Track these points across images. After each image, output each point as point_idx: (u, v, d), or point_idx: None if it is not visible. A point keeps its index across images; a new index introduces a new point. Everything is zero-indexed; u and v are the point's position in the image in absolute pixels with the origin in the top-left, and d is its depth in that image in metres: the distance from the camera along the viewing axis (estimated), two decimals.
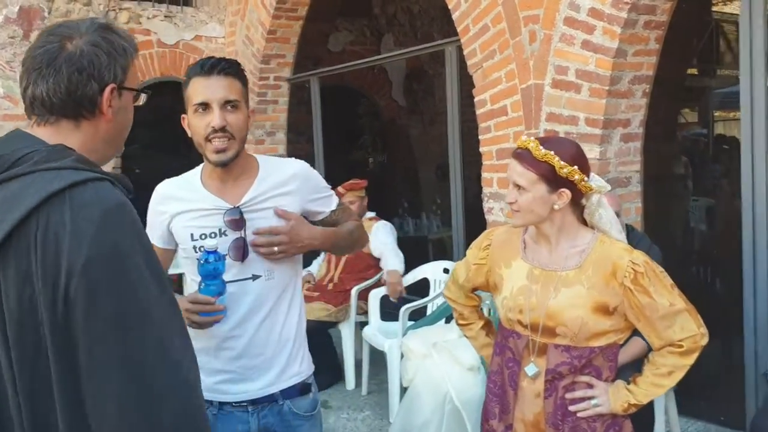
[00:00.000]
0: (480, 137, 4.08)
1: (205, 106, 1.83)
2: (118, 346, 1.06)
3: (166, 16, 6.59)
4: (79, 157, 1.16)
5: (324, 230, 2.01)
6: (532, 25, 3.58)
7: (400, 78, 8.74)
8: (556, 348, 1.88)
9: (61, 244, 1.06)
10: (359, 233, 2.16)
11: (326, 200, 2.07)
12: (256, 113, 6.26)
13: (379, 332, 4.48)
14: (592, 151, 3.31)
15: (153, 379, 1.06)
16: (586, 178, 1.88)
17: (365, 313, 4.79)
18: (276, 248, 1.85)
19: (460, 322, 2.26)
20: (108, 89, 1.21)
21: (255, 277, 1.88)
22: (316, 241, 1.96)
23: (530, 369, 1.90)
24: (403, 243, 5.06)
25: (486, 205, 4.10)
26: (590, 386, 1.89)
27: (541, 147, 1.85)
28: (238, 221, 1.86)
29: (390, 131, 9.01)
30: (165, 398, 1.07)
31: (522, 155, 1.88)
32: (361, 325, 4.82)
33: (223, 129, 1.82)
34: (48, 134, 1.20)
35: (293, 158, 2.10)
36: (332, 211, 2.08)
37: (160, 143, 6.92)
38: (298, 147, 7.04)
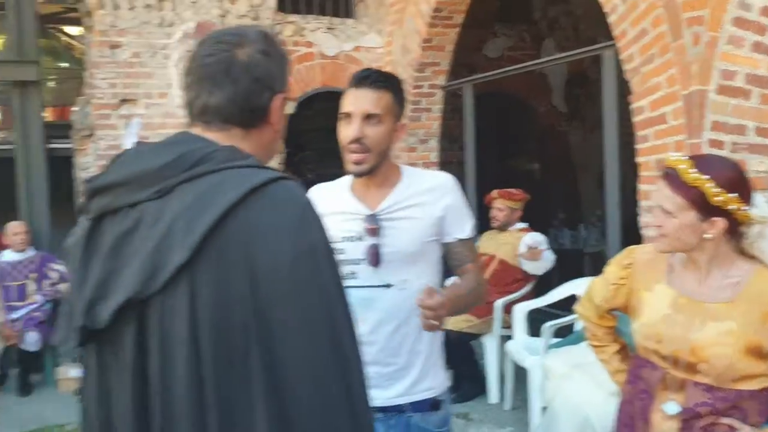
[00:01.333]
0: (637, 147, 3.83)
1: (349, 116, 1.88)
2: (307, 346, 1.03)
3: (328, 29, 6.83)
4: (256, 160, 1.16)
5: (449, 298, 1.84)
6: (696, 27, 3.30)
7: (561, 83, 8.45)
8: (696, 386, 1.69)
9: (262, 241, 1.04)
10: (480, 292, 1.99)
11: (461, 224, 1.97)
12: (409, 123, 6.40)
13: (523, 348, 4.34)
14: (762, 164, 2.99)
15: (332, 379, 1.04)
16: (744, 207, 1.66)
17: (510, 327, 4.67)
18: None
19: (593, 343, 2.09)
20: (278, 99, 1.22)
21: (388, 286, 1.88)
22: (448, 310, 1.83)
23: (670, 407, 1.72)
24: (556, 256, 4.88)
25: (642, 220, 3.83)
26: (733, 429, 1.68)
27: (693, 169, 1.66)
28: (374, 228, 1.88)
29: (547, 138, 8.74)
30: (342, 398, 1.05)
31: (671, 176, 1.70)
32: (505, 338, 4.70)
33: (358, 140, 1.85)
34: (218, 139, 1.18)
35: (441, 171, 2.06)
36: (459, 240, 1.96)
37: (334, 150, 7.18)
38: (450, 155, 7.02)
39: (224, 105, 1.18)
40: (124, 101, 6.15)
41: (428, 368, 1.92)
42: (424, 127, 6.66)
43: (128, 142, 4.39)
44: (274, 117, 1.22)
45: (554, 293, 4.59)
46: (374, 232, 1.88)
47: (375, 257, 1.87)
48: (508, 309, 4.67)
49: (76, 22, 12.15)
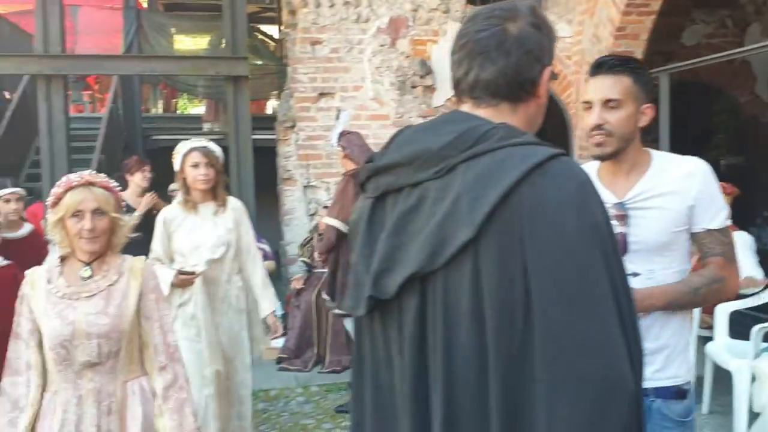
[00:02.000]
0: None
1: (589, 104, 1.91)
2: (588, 322, 1.03)
3: None
4: (532, 136, 1.17)
5: (664, 290, 1.82)
6: None
7: (767, 71, 7.81)
8: None
9: (545, 217, 1.05)
10: (710, 290, 1.86)
11: (711, 213, 1.87)
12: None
13: (725, 350, 4.13)
14: None
15: (612, 358, 1.02)
16: None
17: (709, 327, 4.45)
18: None
19: None
20: (546, 71, 1.22)
21: (635, 275, 1.84)
22: (655, 302, 1.82)
23: None
24: (761, 256, 4.57)
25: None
26: None
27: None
28: (622, 216, 1.87)
29: (751, 130, 8.12)
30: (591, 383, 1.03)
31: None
32: (703, 339, 4.48)
33: (599, 127, 1.88)
34: (488, 116, 1.19)
35: (692, 156, 1.97)
36: (707, 231, 1.87)
37: None
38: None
39: (495, 79, 1.19)
40: (322, 94, 6.56)
41: (674, 356, 1.89)
42: None
43: (336, 133, 4.69)
44: (541, 90, 1.23)
45: (760, 295, 4.31)
46: (621, 220, 1.86)
47: (622, 246, 1.84)
48: (707, 309, 4.44)
49: (271, 21, 13.07)
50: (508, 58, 1.18)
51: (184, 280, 3.37)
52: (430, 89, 6.64)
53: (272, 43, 12.22)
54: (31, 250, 4.14)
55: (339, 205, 4.42)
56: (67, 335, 2.14)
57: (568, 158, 1.12)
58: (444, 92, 6.67)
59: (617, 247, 1.11)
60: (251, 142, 6.57)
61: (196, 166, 3.42)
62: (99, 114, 11.55)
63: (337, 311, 4.64)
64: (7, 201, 4.25)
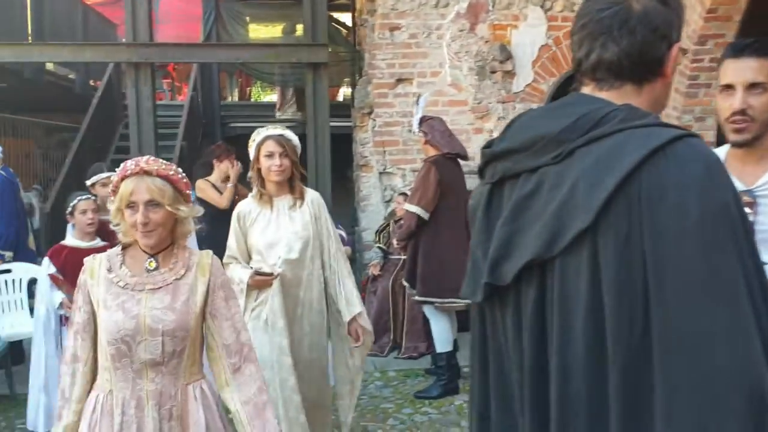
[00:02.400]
0: None
1: (730, 87, 1.84)
2: (713, 310, 0.98)
3: None
4: (658, 116, 1.13)
5: None
6: None
7: None
8: None
9: (667, 201, 1.01)
10: None
11: None
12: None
13: None
14: None
15: (718, 359, 0.97)
16: None
17: None
18: None
19: None
20: (675, 49, 1.16)
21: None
22: None
23: None
24: None
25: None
26: None
27: None
28: (750, 203, 1.81)
29: None
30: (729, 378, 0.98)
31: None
32: None
33: (742, 112, 1.81)
34: (611, 98, 1.15)
35: None
36: None
37: None
38: None
39: (619, 59, 1.14)
40: (399, 80, 6.54)
41: None
42: (701, 103, 6.22)
43: (417, 119, 4.68)
44: (669, 68, 1.17)
45: None
46: (750, 207, 1.81)
47: None
48: None
49: (344, 8, 13.12)
50: (632, 38, 1.13)
51: (260, 281, 3.08)
52: (509, 74, 6.54)
53: (344, 30, 12.29)
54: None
55: (420, 192, 4.41)
56: (129, 330, 1.97)
57: (696, 139, 1.06)
58: (524, 77, 6.56)
59: (750, 232, 1.05)
60: (329, 129, 6.62)
61: (270, 155, 3.08)
62: (178, 102, 11.90)
63: (416, 298, 4.64)
64: (105, 185, 4.41)
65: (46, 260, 3.67)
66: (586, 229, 1.05)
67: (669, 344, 1.00)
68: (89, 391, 2.04)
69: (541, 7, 6.58)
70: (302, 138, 9.78)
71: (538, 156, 1.13)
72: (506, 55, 6.50)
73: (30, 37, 7.74)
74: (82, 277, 2.07)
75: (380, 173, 6.61)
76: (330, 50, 11.29)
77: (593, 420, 1.07)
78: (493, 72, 6.53)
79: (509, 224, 1.15)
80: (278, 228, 3.14)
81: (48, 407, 3.72)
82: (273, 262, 3.10)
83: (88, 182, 4.42)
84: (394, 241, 5.28)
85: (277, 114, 11.37)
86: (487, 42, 6.55)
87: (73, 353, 2.06)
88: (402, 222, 4.83)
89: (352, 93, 10.47)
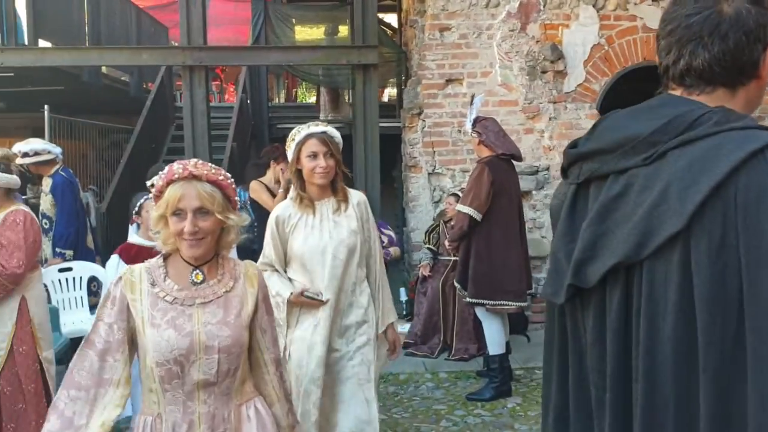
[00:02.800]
0: None
1: None
2: None
3: (653, 0, 6.53)
4: (754, 118, 1.10)
5: None
6: None
7: None
8: None
9: (763, 206, 0.98)
10: None
11: None
12: None
13: None
14: None
15: None
16: None
17: None
18: None
19: None
20: None
21: None
22: None
23: None
24: None
25: None
26: None
27: None
28: None
29: None
30: None
31: None
32: None
33: None
34: (703, 101, 1.13)
35: None
36: None
37: None
38: None
39: (710, 66, 1.11)
40: (449, 81, 6.53)
41: None
42: None
43: (471, 119, 4.66)
44: (764, 71, 1.13)
45: None
46: None
47: None
48: None
49: (390, 9, 13.16)
50: (724, 43, 1.10)
51: (304, 303, 2.86)
52: (561, 74, 6.47)
53: (389, 31, 12.31)
54: None
55: (473, 193, 4.39)
56: (183, 349, 1.80)
57: None
58: (575, 77, 6.49)
59: None
60: (378, 130, 6.65)
61: (313, 156, 2.80)
62: (226, 103, 12.08)
63: (468, 299, 4.62)
64: None
65: (115, 257, 3.74)
66: (678, 233, 1.03)
67: (762, 354, 0.97)
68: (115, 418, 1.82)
69: (594, 6, 6.49)
70: (345, 139, 9.91)
71: (628, 157, 1.11)
72: (557, 54, 6.43)
73: (87, 41, 7.94)
74: (115, 290, 1.86)
75: (429, 174, 6.61)
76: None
77: (681, 429, 1.05)
78: (544, 72, 6.47)
79: (595, 226, 1.14)
80: (322, 235, 2.84)
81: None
82: (318, 276, 2.83)
83: (149, 183, 4.51)
84: (446, 242, 5.26)
85: (322, 115, 11.45)
86: (538, 42, 6.49)
87: (98, 376, 1.80)
88: (454, 223, 4.82)
89: (398, 94, 10.53)
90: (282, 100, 14.55)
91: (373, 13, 6.46)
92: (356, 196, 3.01)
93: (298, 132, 2.85)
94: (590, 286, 1.14)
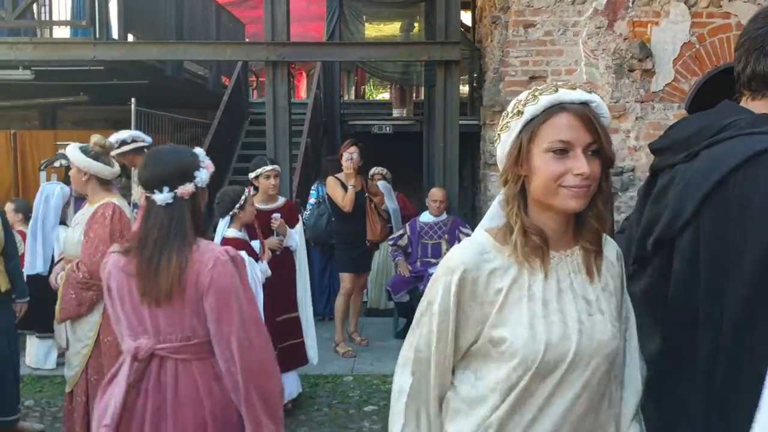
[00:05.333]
0: None
1: None
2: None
3: None
4: None
5: None
6: None
7: None
8: None
9: (753, 204, 1.22)
10: None
11: None
12: None
13: None
14: None
15: None
16: None
17: None
18: None
19: None
20: None
21: None
22: None
23: None
24: None
25: None
26: None
27: None
28: None
29: None
30: None
31: None
32: None
33: None
34: (759, 106, 1.34)
35: None
36: None
37: None
38: None
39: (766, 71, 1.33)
40: (533, 78, 6.41)
41: None
42: None
43: None
44: None
45: None
46: None
47: None
48: None
49: (464, 6, 13.06)
50: None
51: None
52: (648, 73, 6.28)
53: (461, 29, 12.22)
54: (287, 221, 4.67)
55: None
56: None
57: None
58: (664, 76, 6.28)
59: None
60: (458, 128, 6.59)
61: (563, 150, 1.36)
62: (297, 100, 12.19)
63: None
64: (267, 177, 4.57)
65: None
66: (692, 217, 1.32)
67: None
68: None
69: (685, 2, 6.28)
70: (417, 137, 9.88)
71: (675, 155, 1.42)
72: (646, 52, 6.25)
73: (172, 36, 8.12)
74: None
75: None
76: None
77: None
78: (632, 70, 6.29)
79: (652, 208, 1.46)
80: (565, 324, 1.38)
81: None
82: (541, 408, 1.37)
83: (252, 175, 4.58)
84: None
85: (394, 112, 11.45)
86: (625, 39, 6.31)
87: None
88: None
89: (470, 91, 10.44)
90: (352, 97, 14.60)
91: (456, 9, 6.40)
92: (610, 245, 1.51)
93: (533, 97, 1.38)
94: (647, 254, 1.48)
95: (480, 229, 1.47)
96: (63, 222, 5.10)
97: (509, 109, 1.43)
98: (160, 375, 2.05)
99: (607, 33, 6.33)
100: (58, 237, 4.90)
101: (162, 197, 2.06)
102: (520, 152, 1.37)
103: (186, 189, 2.08)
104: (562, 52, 6.36)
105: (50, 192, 5.10)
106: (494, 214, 1.46)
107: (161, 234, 2.05)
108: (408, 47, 6.90)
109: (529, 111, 1.36)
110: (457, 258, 1.40)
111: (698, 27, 6.28)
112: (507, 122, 1.41)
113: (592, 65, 6.36)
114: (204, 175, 2.14)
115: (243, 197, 3.92)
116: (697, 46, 6.29)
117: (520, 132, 1.38)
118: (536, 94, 1.38)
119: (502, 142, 1.43)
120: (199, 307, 2.02)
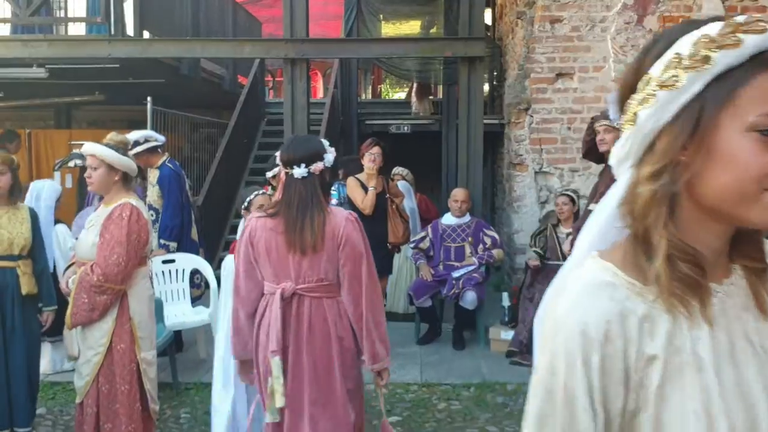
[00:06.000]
0: None
1: None
2: None
3: None
4: None
5: None
6: None
7: None
8: None
9: None
10: None
11: None
12: None
13: None
14: None
15: None
16: None
17: None
18: None
19: None
20: None
21: None
22: None
23: None
24: None
25: None
26: None
27: None
28: None
29: None
30: None
31: None
32: None
33: None
34: None
35: None
36: None
37: None
38: None
39: None
40: (559, 75, 6.21)
41: None
42: None
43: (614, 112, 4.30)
44: None
45: None
46: None
47: None
48: None
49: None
50: None
51: None
52: None
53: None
54: None
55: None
56: None
57: None
58: None
59: None
60: (483, 126, 6.39)
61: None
62: (313, 99, 12.02)
63: None
64: None
65: (230, 258, 3.59)
66: None
67: None
68: None
69: None
70: (436, 136, 9.66)
71: None
72: None
73: (188, 34, 7.97)
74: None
75: (536, 173, 6.30)
76: None
77: None
78: None
79: None
80: (751, 402, 0.87)
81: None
82: None
83: (269, 174, 4.38)
84: (566, 247, 4.87)
85: (413, 108, 11.24)
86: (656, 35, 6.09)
87: None
88: (581, 225, 4.50)
89: (490, 90, 10.23)
90: (368, 97, 14.42)
91: (481, 4, 6.21)
92: None
93: (730, 33, 0.85)
94: None
95: (589, 253, 0.95)
96: (59, 220, 4.91)
97: (681, 50, 0.86)
98: (299, 309, 2.62)
99: (637, 28, 6.12)
100: (56, 235, 4.73)
101: (299, 171, 2.63)
102: (698, 126, 0.85)
103: (317, 166, 2.66)
104: (589, 48, 6.16)
105: (39, 189, 4.85)
106: (605, 227, 0.96)
107: (301, 200, 2.62)
108: (430, 43, 6.71)
109: (726, 58, 0.83)
110: (586, 313, 0.87)
111: None
112: (672, 75, 0.86)
113: (621, 62, 6.14)
114: (330, 157, 2.71)
115: (249, 198, 3.78)
116: None
117: (703, 92, 0.85)
118: (734, 29, 0.84)
119: (651, 112, 0.88)
120: (334, 255, 2.62)
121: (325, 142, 2.77)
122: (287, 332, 2.61)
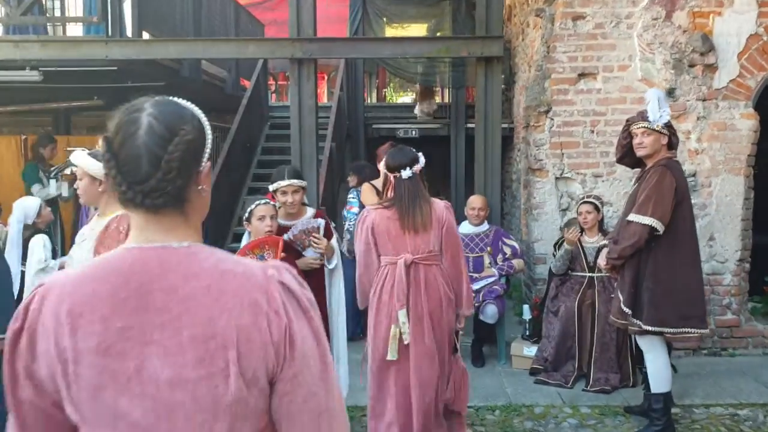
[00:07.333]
0: None
1: None
2: None
3: None
4: None
5: None
6: None
7: None
8: None
9: None
10: None
11: None
12: None
13: None
14: None
15: None
16: None
17: None
18: None
19: None
20: None
21: None
22: None
23: None
24: None
25: None
26: None
27: None
28: None
29: None
30: None
31: None
32: None
33: None
34: None
35: None
36: None
37: None
38: None
39: None
40: (581, 75, 5.86)
41: None
42: None
43: (666, 111, 3.97)
44: None
45: None
46: None
47: None
48: None
49: None
50: None
51: None
52: (711, 68, 5.70)
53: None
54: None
55: (654, 200, 3.72)
56: None
57: None
58: (727, 72, 5.71)
59: None
60: (500, 129, 6.04)
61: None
62: (319, 103, 11.66)
63: (646, 327, 3.83)
64: (284, 193, 3.99)
65: None
66: None
67: None
68: None
69: None
70: (444, 141, 9.31)
71: None
72: (708, 46, 5.68)
73: (190, 34, 7.64)
74: None
75: (557, 178, 5.95)
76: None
77: None
78: (692, 65, 5.72)
79: None
80: None
81: None
82: None
83: (271, 188, 3.99)
84: (601, 261, 4.46)
85: (417, 108, 10.89)
86: (685, 32, 5.75)
87: None
88: (614, 236, 4.11)
89: (503, 90, 9.88)
90: (374, 100, 14.07)
91: (499, 1, 5.86)
92: None
93: None
94: None
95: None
96: (39, 230, 4.77)
97: None
98: (417, 273, 3.45)
99: (665, 25, 5.77)
100: (19, 244, 4.72)
101: (406, 173, 3.47)
102: None
103: (417, 167, 3.53)
104: (614, 46, 5.81)
105: (27, 208, 4.90)
106: None
107: (410, 194, 3.46)
108: (445, 42, 6.34)
109: None
110: None
111: (766, 17, 5.70)
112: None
113: (647, 60, 5.80)
114: (422, 161, 3.58)
115: (250, 208, 3.61)
116: (765, 39, 5.71)
117: None
118: None
119: None
120: (438, 233, 3.50)
121: (414, 150, 3.60)
122: (409, 290, 3.40)
